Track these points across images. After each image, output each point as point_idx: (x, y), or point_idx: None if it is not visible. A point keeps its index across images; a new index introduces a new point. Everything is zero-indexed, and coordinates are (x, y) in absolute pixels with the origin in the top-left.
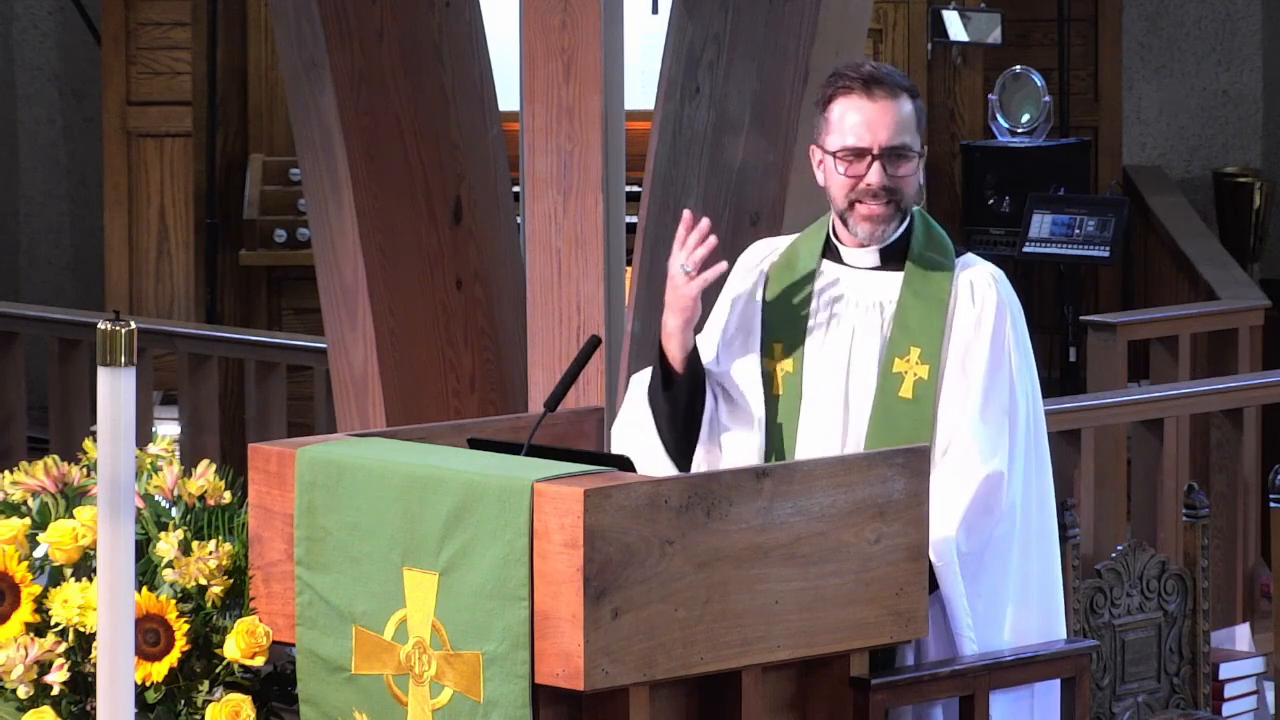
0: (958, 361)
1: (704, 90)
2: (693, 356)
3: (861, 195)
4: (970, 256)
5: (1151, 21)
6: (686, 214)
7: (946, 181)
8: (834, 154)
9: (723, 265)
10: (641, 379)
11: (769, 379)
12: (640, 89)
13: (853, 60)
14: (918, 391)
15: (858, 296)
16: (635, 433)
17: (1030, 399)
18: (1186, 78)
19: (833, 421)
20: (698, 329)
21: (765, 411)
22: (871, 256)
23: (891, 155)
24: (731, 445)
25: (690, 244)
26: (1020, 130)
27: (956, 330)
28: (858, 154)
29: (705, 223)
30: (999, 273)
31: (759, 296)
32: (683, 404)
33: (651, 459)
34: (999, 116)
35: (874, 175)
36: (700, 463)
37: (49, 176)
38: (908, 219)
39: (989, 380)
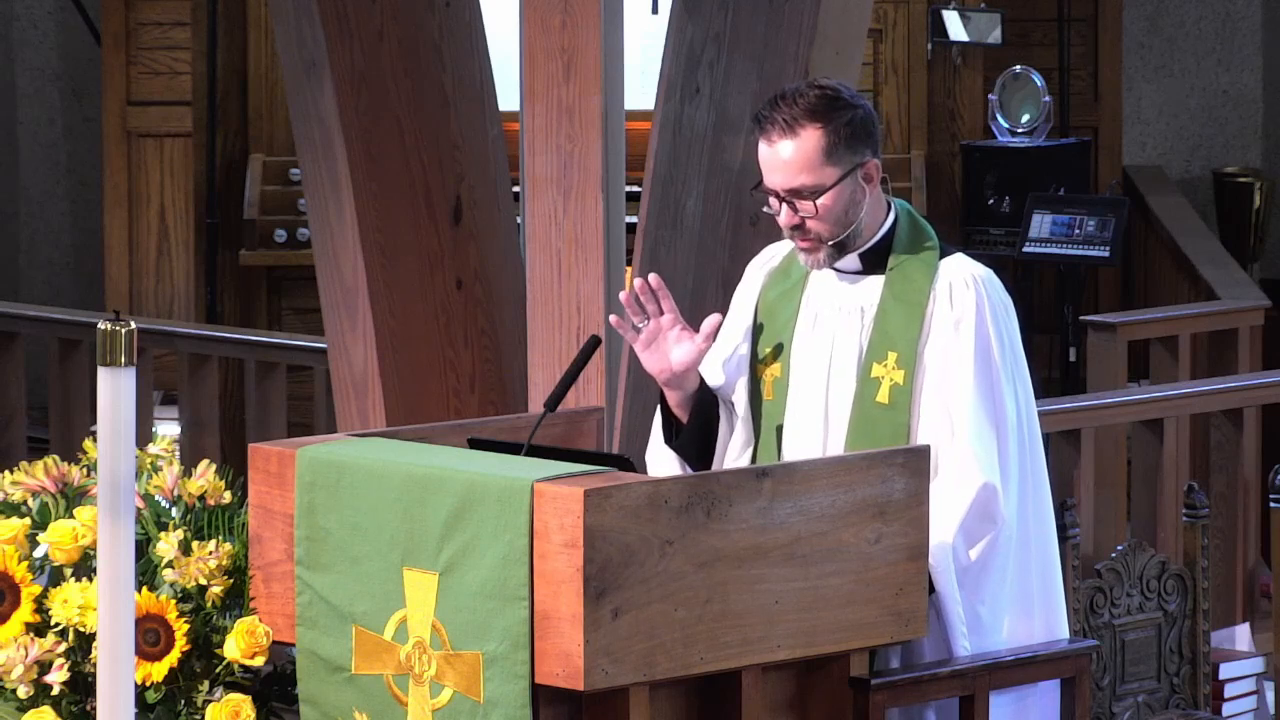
0: (937, 366)
1: (704, 90)
2: (700, 394)
3: (786, 232)
4: (958, 257)
5: (1151, 21)
6: (623, 296)
7: (946, 181)
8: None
9: (662, 320)
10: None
11: (760, 384)
12: (640, 89)
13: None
14: (894, 397)
15: (840, 301)
16: (660, 461)
17: (1022, 401)
18: (1186, 78)
19: (813, 428)
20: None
21: (755, 415)
22: (853, 261)
23: (792, 197)
24: (728, 448)
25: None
26: (1020, 130)
27: (934, 334)
28: (770, 193)
29: (642, 282)
30: (985, 273)
31: (756, 301)
32: (695, 439)
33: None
34: (999, 116)
35: (782, 216)
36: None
37: (49, 176)
38: (892, 222)
39: (976, 386)
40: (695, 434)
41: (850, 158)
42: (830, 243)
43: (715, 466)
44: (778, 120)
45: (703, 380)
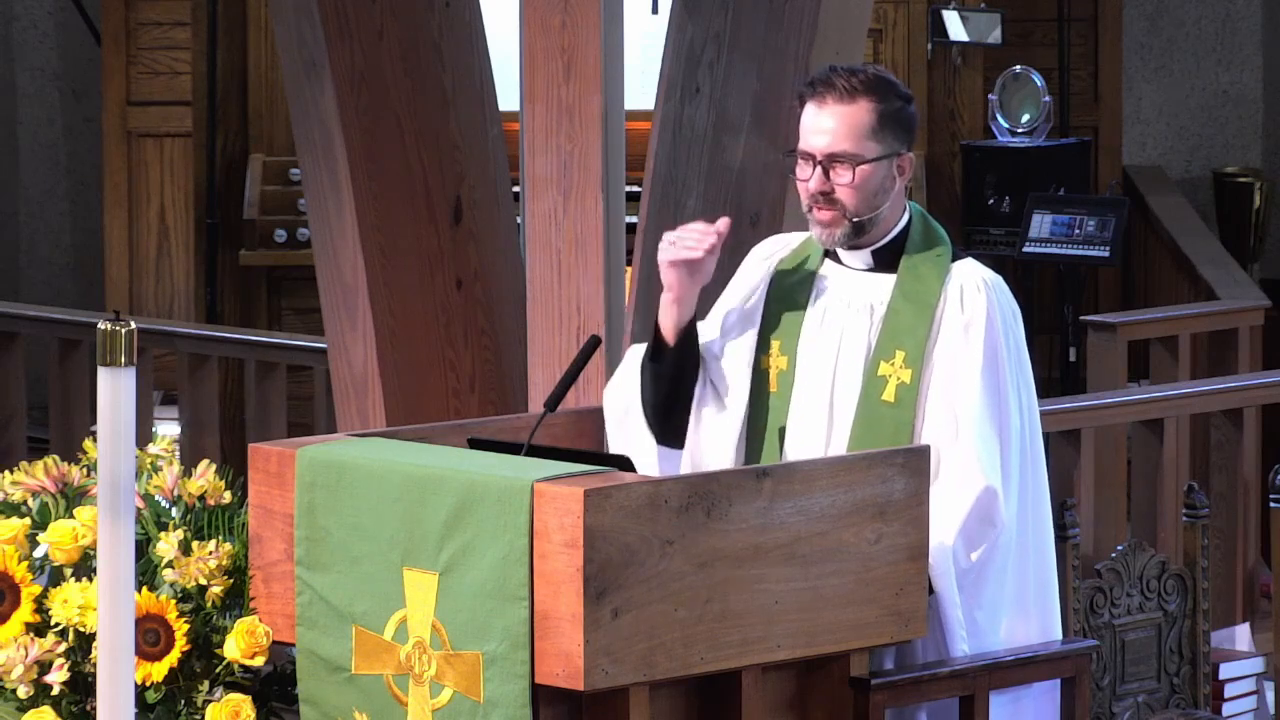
0: (945, 368)
1: (704, 90)
2: (688, 335)
3: (810, 200)
4: (968, 261)
5: (1151, 21)
6: (708, 224)
7: (946, 181)
8: (793, 155)
9: (698, 253)
10: (639, 348)
11: (765, 376)
12: (640, 89)
13: (841, 62)
14: (900, 395)
15: (850, 298)
16: (621, 393)
17: (1025, 408)
18: (1186, 78)
19: (818, 423)
20: (702, 314)
21: (758, 408)
22: (864, 258)
23: (831, 162)
24: (710, 432)
25: (692, 238)
26: (1020, 130)
27: (943, 335)
28: (805, 158)
29: (724, 223)
30: (995, 278)
31: (763, 291)
32: (668, 373)
33: (634, 421)
34: (999, 116)
35: (814, 181)
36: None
37: (49, 176)
38: (907, 222)
39: (983, 389)
40: (674, 364)
41: (893, 142)
42: (853, 219)
43: (692, 432)
44: (836, 85)
45: (693, 328)
